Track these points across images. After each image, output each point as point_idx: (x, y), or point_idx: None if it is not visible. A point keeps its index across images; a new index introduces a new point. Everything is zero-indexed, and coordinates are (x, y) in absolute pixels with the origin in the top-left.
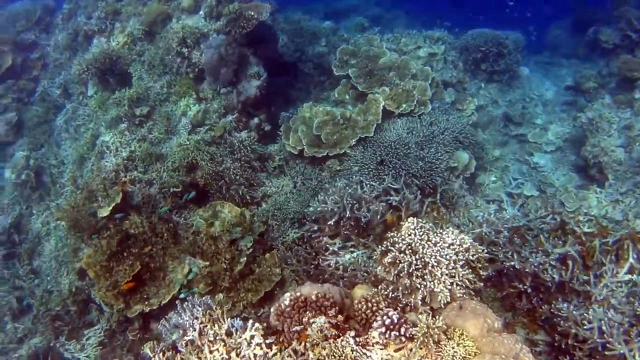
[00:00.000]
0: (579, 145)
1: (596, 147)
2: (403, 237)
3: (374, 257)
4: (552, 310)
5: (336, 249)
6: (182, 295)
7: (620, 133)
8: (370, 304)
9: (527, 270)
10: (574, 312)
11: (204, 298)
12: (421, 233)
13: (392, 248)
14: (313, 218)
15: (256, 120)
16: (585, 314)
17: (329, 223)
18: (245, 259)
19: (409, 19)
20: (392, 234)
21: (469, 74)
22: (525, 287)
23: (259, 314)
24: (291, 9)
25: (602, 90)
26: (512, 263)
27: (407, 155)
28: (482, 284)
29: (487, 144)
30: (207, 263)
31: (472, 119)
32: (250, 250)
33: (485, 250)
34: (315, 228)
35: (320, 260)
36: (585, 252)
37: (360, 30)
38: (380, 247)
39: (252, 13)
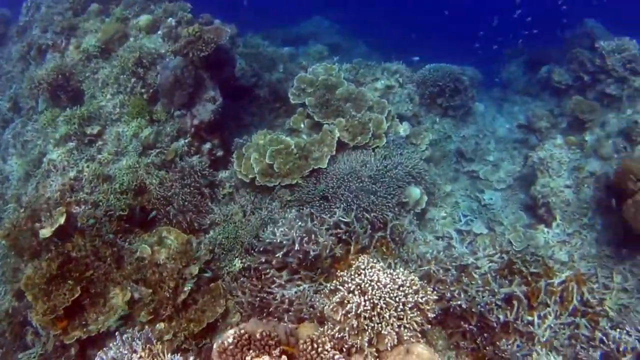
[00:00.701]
0: (528, 184)
1: (545, 187)
2: (352, 277)
3: (321, 291)
4: (496, 351)
5: (283, 282)
6: (112, 326)
7: (570, 174)
8: (315, 345)
9: (473, 310)
10: (517, 354)
11: (144, 330)
12: (371, 273)
13: (340, 287)
14: (261, 249)
15: (208, 145)
16: (528, 357)
17: (276, 255)
18: (189, 288)
19: (368, 49)
20: (341, 272)
21: (425, 107)
22: (470, 326)
23: (200, 346)
24: (251, 33)
25: (554, 130)
26: (459, 302)
27: (359, 189)
28: (429, 325)
29: (438, 179)
30: (150, 291)
31: (425, 153)
32: (195, 279)
33: (434, 290)
34: (263, 259)
35: (266, 292)
36: (530, 292)
37: (319, 59)
38: (328, 283)
39: (212, 36)
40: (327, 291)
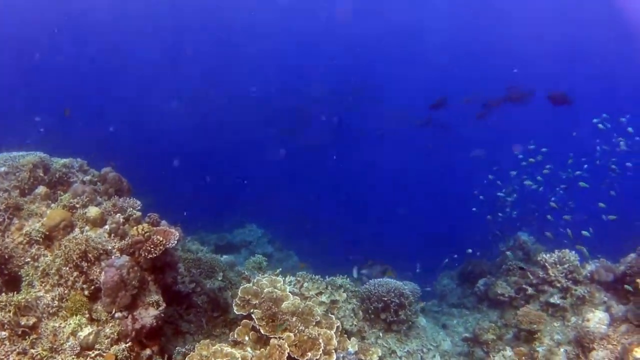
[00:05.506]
0: None
1: None
2: None
3: None
4: None
5: None
6: None
7: None
8: None
9: None
10: None
11: None
12: None
13: None
14: None
15: (148, 351)
16: None
17: None
18: None
19: (300, 260)
20: None
21: (368, 323)
22: None
23: None
24: (189, 237)
25: (500, 342)
26: None
27: None
28: None
29: None
30: None
31: None
32: None
33: None
34: None
35: None
36: None
37: (258, 269)
38: None
39: (161, 238)
40: None
